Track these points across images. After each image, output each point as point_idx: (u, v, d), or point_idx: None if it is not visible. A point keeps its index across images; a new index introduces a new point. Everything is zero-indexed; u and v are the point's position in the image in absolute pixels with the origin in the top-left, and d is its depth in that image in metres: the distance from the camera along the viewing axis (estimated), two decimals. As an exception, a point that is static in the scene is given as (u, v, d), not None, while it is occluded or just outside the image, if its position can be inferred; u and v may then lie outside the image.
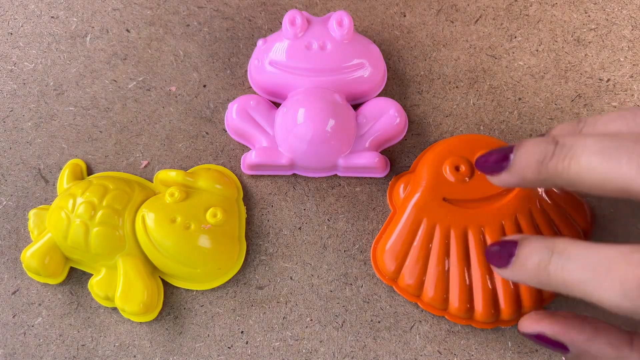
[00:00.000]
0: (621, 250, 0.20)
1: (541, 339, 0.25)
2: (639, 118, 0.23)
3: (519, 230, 0.27)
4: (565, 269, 0.21)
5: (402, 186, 0.30)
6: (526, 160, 0.23)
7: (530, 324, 0.25)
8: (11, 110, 0.32)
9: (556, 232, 0.28)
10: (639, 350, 0.23)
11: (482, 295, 0.27)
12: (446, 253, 0.27)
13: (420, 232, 0.28)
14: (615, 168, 0.20)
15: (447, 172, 0.28)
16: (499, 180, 0.24)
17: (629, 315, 0.20)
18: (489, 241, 0.27)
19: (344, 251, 0.30)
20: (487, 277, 0.27)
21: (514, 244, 0.23)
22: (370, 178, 0.31)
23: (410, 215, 0.28)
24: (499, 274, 0.24)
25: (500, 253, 0.24)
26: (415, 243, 0.28)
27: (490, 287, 0.27)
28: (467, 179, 0.28)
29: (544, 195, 0.28)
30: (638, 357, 0.23)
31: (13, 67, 0.33)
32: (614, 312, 0.20)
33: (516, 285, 0.27)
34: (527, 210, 0.28)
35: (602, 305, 0.20)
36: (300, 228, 0.30)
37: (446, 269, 0.27)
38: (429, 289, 0.28)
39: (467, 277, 0.27)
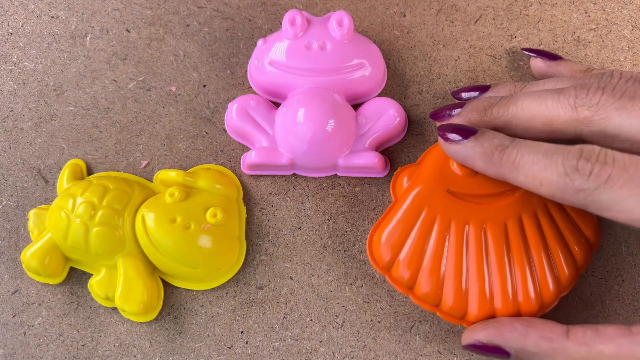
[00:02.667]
0: (563, 146, 0.24)
1: (479, 348, 0.26)
2: (565, 81, 0.27)
3: (522, 231, 0.27)
4: (519, 152, 0.24)
5: (405, 178, 0.29)
6: (474, 107, 0.27)
7: (467, 335, 0.26)
8: (11, 110, 0.32)
9: (562, 240, 0.27)
10: (575, 340, 0.24)
11: (478, 296, 0.26)
12: (444, 247, 0.27)
13: (419, 223, 0.27)
14: (542, 105, 0.25)
15: (454, 166, 0.28)
16: (448, 123, 0.28)
17: (561, 195, 0.23)
18: (490, 239, 0.27)
19: (344, 251, 0.30)
20: (485, 276, 0.26)
21: (476, 130, 0.26)
22: (370, 178, 0.31)
23: (411, 204, 0.27)
24: (450, 147, 0.26)
25: (464, 129, 0.26)
26: (413, 233, 0.27)
27: (487, 288, 0.26)
28: (473, 173, 0.27)
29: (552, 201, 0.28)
30: (575, 346, 0.24)
31: (13, 67, 0.33)
32: (550, 193, 0.23)
33: (515, 291, 0.26)
34: (533, 213, 0.27)
35: (543, 185, 0.24)
36: (300, 228, 0.30)
37: (443, 263, 0.27)
38: (423, 283, 0.27)
39: (463, 275, 0.27)
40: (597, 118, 0.24)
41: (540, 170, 0.23)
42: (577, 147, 0.23)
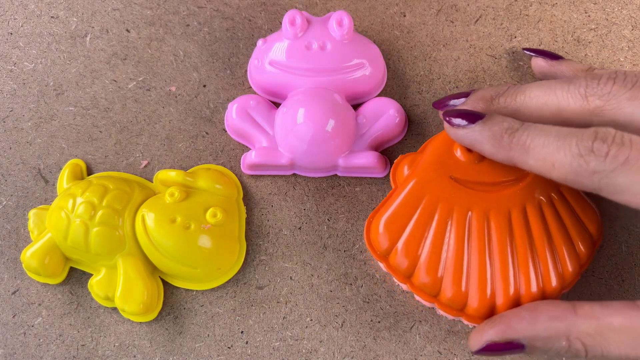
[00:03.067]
0: (576, 129, 0.23)
1: (492, 348, 0.25)
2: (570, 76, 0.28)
3: (526, 221, 0.26)
4: (530, 135, 0.24)
5: (406, 166, 0.29)
6: (481, 96, 0.27)
7: (475, 339, 0.25)
8: (11, 110, 0.32)
9: (566, 233, 0.26)
10: (584, 315, 0.23)
11: (478, 287, 0.25)
12: (445, 235, 0.26)
13: (420, 209, 0.26)
14: (552, 95, 0.25)
15: (459, 152, 0.27)
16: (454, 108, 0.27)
17: (575, 177, 0.22)
18: (493, 228, 0.26)
19: (344, 251, 0.30)
20: (487, 266, 0.26)
21: (483, 115, 0.25)
22: (370, 178, 0.31)
23: (411, 190, 0.27)
24: (456, 131, 0.25)
25: (471, 113, 0.25)
26: (413, 220, 0.26)
27: (488, 279, 0.26)
28: (478, 160, 0.27)
29: (556, 192, 0.27)
30: (585, 321, 0.23)
31: (13, 67, 0.33)
32: (563, 176, 0.23)
33: (517, 283, 0.26)
34: (537, 203, 0.26)
35: (555, 168, 0.23)
36: (300, 228, 0.30)
37: (443, 250, 0.26)
38: (422, 272, 0.26)
39: (464, 264, 0.26)
40: (608, 108, 0.24)
41: (552, 153, 0.23)
42: (592, 129, 0.23)
